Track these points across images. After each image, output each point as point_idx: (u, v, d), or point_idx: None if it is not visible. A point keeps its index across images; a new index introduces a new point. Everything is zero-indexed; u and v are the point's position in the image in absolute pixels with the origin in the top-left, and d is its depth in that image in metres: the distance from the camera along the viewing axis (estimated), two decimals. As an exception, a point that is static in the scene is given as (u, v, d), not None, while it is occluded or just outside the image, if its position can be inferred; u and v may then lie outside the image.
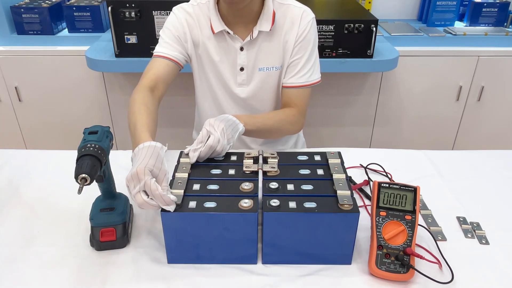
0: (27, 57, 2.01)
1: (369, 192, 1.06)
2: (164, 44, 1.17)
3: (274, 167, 0.90)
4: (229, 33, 1.15)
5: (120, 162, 1.12)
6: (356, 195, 1.03)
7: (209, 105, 1.29)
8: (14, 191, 1.05)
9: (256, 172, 0.90)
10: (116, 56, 1.84)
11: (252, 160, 0.93)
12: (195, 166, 0.91)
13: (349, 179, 1.02)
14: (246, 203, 0.79)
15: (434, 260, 0.84)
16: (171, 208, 0.77)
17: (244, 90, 1.23)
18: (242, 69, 1.20)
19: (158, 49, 1.17)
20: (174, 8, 1.19)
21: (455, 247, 0.88)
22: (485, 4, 2.27)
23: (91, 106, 2.13)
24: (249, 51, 1.18)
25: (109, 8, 1.73)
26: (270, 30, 1.15)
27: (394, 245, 0.81)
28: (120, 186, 0.94)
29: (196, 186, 0.85)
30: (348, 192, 0.82)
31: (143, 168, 0.77)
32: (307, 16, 1.17)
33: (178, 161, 0.92)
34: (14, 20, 2.04)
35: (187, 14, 1.18)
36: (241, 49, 1.17)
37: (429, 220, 0.97)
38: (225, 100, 1.26)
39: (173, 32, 1.17)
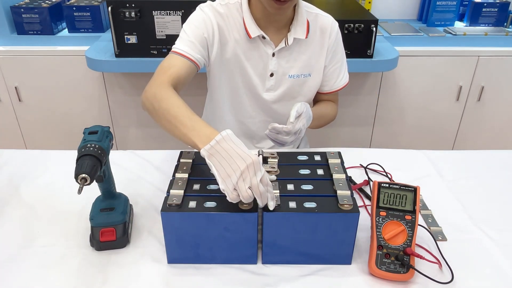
0: (27, 57, 2.01)
1: (369, 192, 1.06)
2: (188, 42, 1.08)
3: (274, 167, 0.90)
4: (264, 38, 1.12)
5: (120, 162, 1.12)
6: (356, 195, 1.02)
7: (228, 108, 1.24)
8: (14, 191, 1.05)
9: (256, 172, 0.89)
10: (116, 56, 1.84)
11: (252, 160, 0.93)
12: (195, 166, 0.91)
13: (349, 179, 1.02)
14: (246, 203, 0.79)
15: (434, 260, 0.84)
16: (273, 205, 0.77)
17: (271, 95, 1.21)
18: (272, 74, 1.17)
19: (181, 47, 1.07)
20: (203, 6, 1.12)
21: (455, 247, 0.88)
22: (485, 4, 2.27)
23: (91, 106, 2.13)
24: (280, 58, 1.16)
25: (109, 8, 1.73)
26: (306, 38, 1.14)
27: (394, 245, 0.81)
28: (120, 186, 0.94)
29: (196, 186, 0.84)
30: (348, 192, 0.82)
31: (258, 160, 0.75)
32: (335, 25, 1.20)
33: (178, 161, 0.92)
34: (14, 20, 2.04)
35: (218, 15, 1.11)
36: (273, 54, 1.15)
37: (429, 220, 0.97)
38: (250, 104, 1.22)
39: (201, 32, 1.09)
